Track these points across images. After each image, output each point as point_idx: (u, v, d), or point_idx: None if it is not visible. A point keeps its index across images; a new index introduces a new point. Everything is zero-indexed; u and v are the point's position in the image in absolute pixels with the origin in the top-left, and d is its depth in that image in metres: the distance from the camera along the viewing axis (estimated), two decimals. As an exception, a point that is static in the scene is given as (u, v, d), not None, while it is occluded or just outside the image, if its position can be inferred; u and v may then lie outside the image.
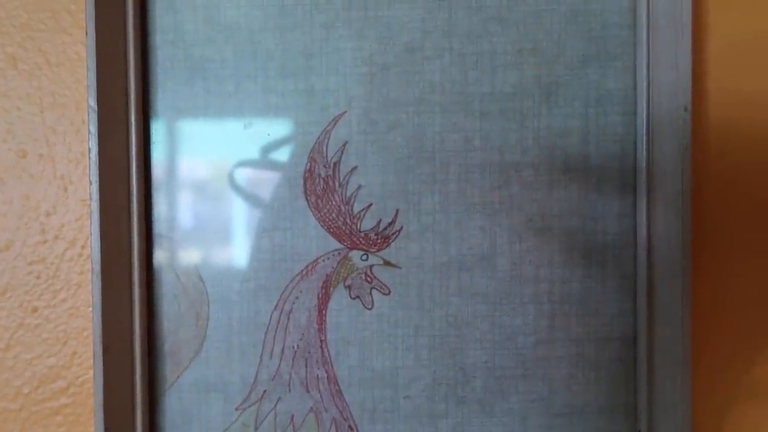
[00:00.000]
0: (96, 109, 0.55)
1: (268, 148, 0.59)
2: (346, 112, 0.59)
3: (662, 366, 0.58)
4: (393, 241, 0.60)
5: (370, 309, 0.60)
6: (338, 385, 0.60)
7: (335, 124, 0.59)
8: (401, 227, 0.59)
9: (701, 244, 0.59)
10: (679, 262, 0.57)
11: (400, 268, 0.60)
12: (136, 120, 0.58)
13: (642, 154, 0.58)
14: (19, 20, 0.60)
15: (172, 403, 0.60)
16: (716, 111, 0.59)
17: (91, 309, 0.58)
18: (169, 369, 0.60)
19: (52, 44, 0.60)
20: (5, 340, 0.61)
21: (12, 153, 0.60)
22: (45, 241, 0.60)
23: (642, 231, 0.58)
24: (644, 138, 0.58)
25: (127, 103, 0.57)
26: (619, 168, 0.59)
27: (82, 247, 0.60)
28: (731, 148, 0.59)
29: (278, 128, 0.59)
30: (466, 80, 0.59)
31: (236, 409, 0.60)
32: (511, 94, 0.59)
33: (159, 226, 0.60)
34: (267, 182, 0.60)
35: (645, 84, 0.57)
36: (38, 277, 0.61)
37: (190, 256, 0.60)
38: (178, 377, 0.60)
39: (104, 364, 0.56)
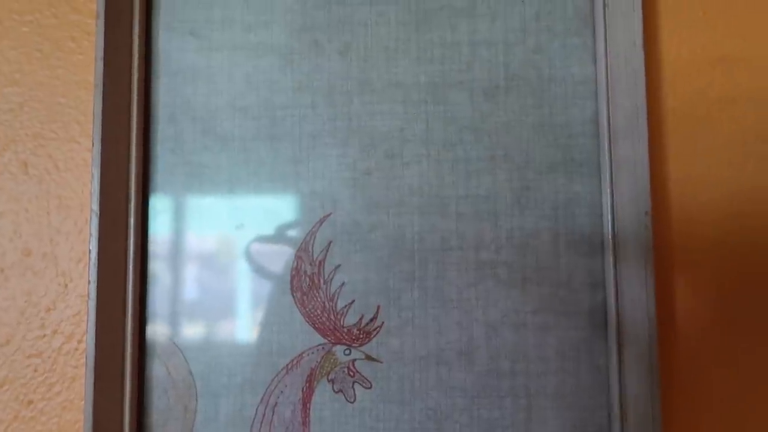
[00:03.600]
0: (98, 212, 0.59)
1: (257, 248, 0.63)
2: (331, 213, 0.63)
3: (637, 460, 0.59)
4: (374, 336, 0.62)
5: (352, 402, 0.62)
6: (321, 478, 0.61)
7: (321, 224, 0.63)
8: (382, 323, 0.62)
9: (668, 340, 0.62)
10: (648, 358, 0.59)
11: (381, 362, 0.62)
12: (135, 223, 0.62)
13: (609, 254, 0.61)
14: (32, 130, 0.65)
15: (158, 497, 0.61)
16: (677, 214, 0.63)
17: (83, 403, 0.60)
18: (156, 462, 0.62)
19: (61, 152, 0.65)
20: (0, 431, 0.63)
21: (17, 251, 0.64)
22: (44, 336, 0.63)
23: (612, 327, 0.61)
24: (610, 238, 0.61)
25: (127, 207, 0.62)
26: (588, 266, 0.62)
27: (79, 342, 0.63)
28: (693, 248, 0.62)
29: (268, 229, 0.63)
30: (442, 184, 0.63)
31: (221, 503, 0.61)
32: (484, 197, 0.63)
33: (152, 322, 0.63)
34: (256, 279, 0.63)
35: (608, 190, 0.61)
36: (35, 371, 0.63)
37: (181, 351, 0.63)
38: (166, 470, 0.62)
39: (93, 458, 0.58)
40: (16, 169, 0.65)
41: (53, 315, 0.64)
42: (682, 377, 0.62)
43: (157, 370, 0.62)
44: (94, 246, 0.59)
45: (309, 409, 0.62)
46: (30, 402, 0.63)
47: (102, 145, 0.60)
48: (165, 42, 0.65)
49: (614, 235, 0.61)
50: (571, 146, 0.63)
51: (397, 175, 0.63)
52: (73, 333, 0.63)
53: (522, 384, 0.62)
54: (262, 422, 0.61)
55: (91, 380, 0.58)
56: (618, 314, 0.61)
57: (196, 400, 0.62)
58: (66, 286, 0.64)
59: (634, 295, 0.60)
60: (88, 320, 0.58)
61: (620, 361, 0.60)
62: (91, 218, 0.59)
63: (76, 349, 0.63)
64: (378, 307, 0.62)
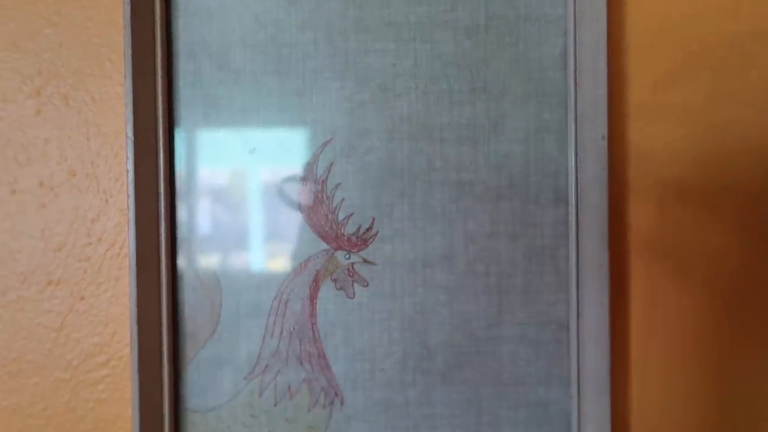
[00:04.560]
0: (132, 138, 0.69)
1: (269, 168, 0.74)
2: (331, 139, 0.73)
3: (588, 345, 0.71)
4: (370, 243, 0.73)
5: (352, 298, 0.74)
6: (326, 359, 0.74)
7: (323, 149, 0.73)
8: (377, 232, 0.73)
9: (618, 246, 0.72)
10: (600, 262, 0.70)
11: (376, 265, 0.73)
12: (164, 147, 0.72)
13: (572, 174, 0.71)
14: (70, 67, 0.74)
15: (192, 375, 0.74)
16: (633, 138, 0.72)
17: (127, 298, 0.72)
18: (189, 347, 0.74)
19: (97, 86, 0.74)
20: (59, 322, 0.76)
21: (64, 172, 0.75)
22: (90, 243, 0.75)
23: (572, 235, 0.71)
24: (573, 161, 0.71)
25: (156, 133, 0.72)
26: (553, 185, 0.72)
27: (120, 248, 0.75)
28: (642, 167, 0.72)
29: (277, 152, 0.73)
30: (429, 113, 0.73)
31: (243, 380, 0.74)
32: (465, 124, 0.72)
33: (181, 230, 0.74)
34: (268, 196, 0.74)
35: (573, 118, 0.71)
36: (85, 272, 0.75)
37: (206, 255, 0.74)
38: (197, 354, 0.74)
39: (138, 343, 0.70)
40: (58, 102, 0.74)
41: (97, 226, 0.75)
42: (629, 277, 0.73)
43: (187, 271, 0.74)
44: (130, 166, 0.69)
45: (315, 303, 0.74)
46: (82, 298, 0.75)
47: (132, 80, 0.69)
48: (184, -13, 0.73)
49: (576, 157, 0.71)
50: (542, 80, 0.72)
51: (389, 106, 0.73)
52: (114, 241, 0.75)
53: (494, 283, 0.73)
54: (276, 314, 0.74)
55: (134, 280, 0.70)
56: (578, 226, 0.71)
57: (221, 296, 0.74)
58: (107, 201, 0.75)
59: (592, 208, 0.70)
60: (128, 228, 0.69)
61: (578, 265, 0.71)
62: (126, 143, 0.69)
63: (118, 255, 0.75)
64: (373, 219, 0.73)
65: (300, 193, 0.73)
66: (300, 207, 0.73)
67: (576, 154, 0.71)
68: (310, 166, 0.73)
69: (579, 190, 0.71)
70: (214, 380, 0.74)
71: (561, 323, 0.73)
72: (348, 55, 0.73)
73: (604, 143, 0.69)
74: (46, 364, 0.76)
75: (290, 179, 0.73)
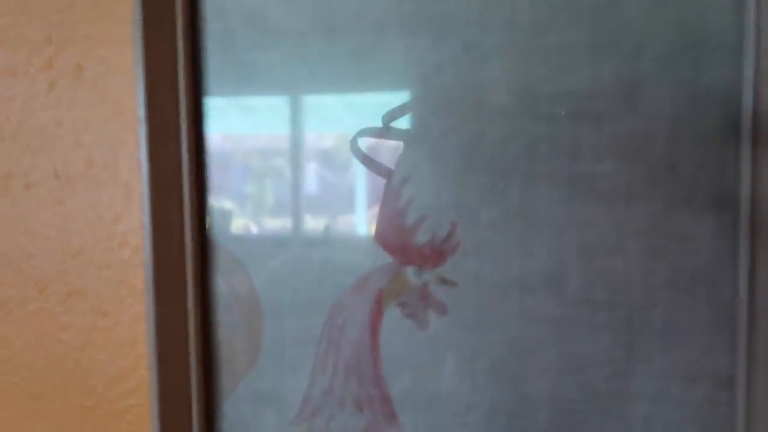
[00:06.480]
0: (146, 120, 0.55)
1: (318, 158, 0.57)
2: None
3: (763, 412, 0.49)
4: (450, 257, 0.55)
5: (425, 330, 0.56)
6: (392, 406, 0.57)
7: (387, 130, 0.55)
8: (458, 242, 0.54)
9: (818, 272, 0.49)
10: (788, 293, 0.47)
11: (457, 286, 0.55)
12: (188, 130, 0.57)
13: (746, 165, 0.49)
14: (83, 31, 0.61)
15: (230, 413, 0.60)
16: (844, 111, 0.48)
17: (146, 316, 0.59)
18: (226, 379, 0.60)
19: (113, 53, 0.60)
20: (81, 340, 0.64)
21: (81, 161, 0.62)
22: (112, 248, 0.62)
23: (743, 253, 0.49)
24: (749, 145, 0.48)
25: (177, 113, 0.57)
26: (716, 180, 0.50)
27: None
28: None
29: (328, 133, 0.56)
30: (530, 80, 0.52)
31: (289, 425, 0.59)
32: (584, 94, 0.51)
33: (214, 234, 0.59)
34: (318, 193, 0.57)
35: (752, 80, 0.48)
36: (107, 283, 0.62)
37: (244, 265, 0.59)
38: (236, 387, 0.60)
39: (159, 374, 0.57)
40: (71, 75, 0.61)
41: (119, 227, 0.62)
42: (832, 320, 0.49)
43: (220, 285, 0.59)
44: (144, 155, 0.55)
45: (378, 333, 0.56)
46: (105, 314, 0.63)
47: (144, 45, 0.54)
48: None
49: (754, 140, 0.48)
50: (700, 25, 0.49)
51: (476, 70, 0.53)
52: (138, 245, 0.61)
53: (622, 318, 0.52)
54: (328, 343, 0.57)
55: (152, 296, 0.56)
56: (752, 240, 0.49)
57: (262, 317, 0.59)
58: (129, 197, 0.61)
59: (774, 216, 0.48)
60: (145, 233, 0.56)
61: (750, 296, 0.49)
62: (139, 126, 0.55)
63: (143, 262, 0.61)
64: (453, 225, 0.54)
65: (357, 190, 0.56)
66: (358, 206, 0.56)
67: (754, 135, 0.48)
68: (369, 153, 0.55)
69: (757, 189, 0.48)
70: (256, 422, 0.60)
71: (721, 379, 0.51)
72: (420, 1, 0.53)
73: (802, 119, 0.46)
74: (68, 389, 0.64)
75: (346, 170, 0.56)
